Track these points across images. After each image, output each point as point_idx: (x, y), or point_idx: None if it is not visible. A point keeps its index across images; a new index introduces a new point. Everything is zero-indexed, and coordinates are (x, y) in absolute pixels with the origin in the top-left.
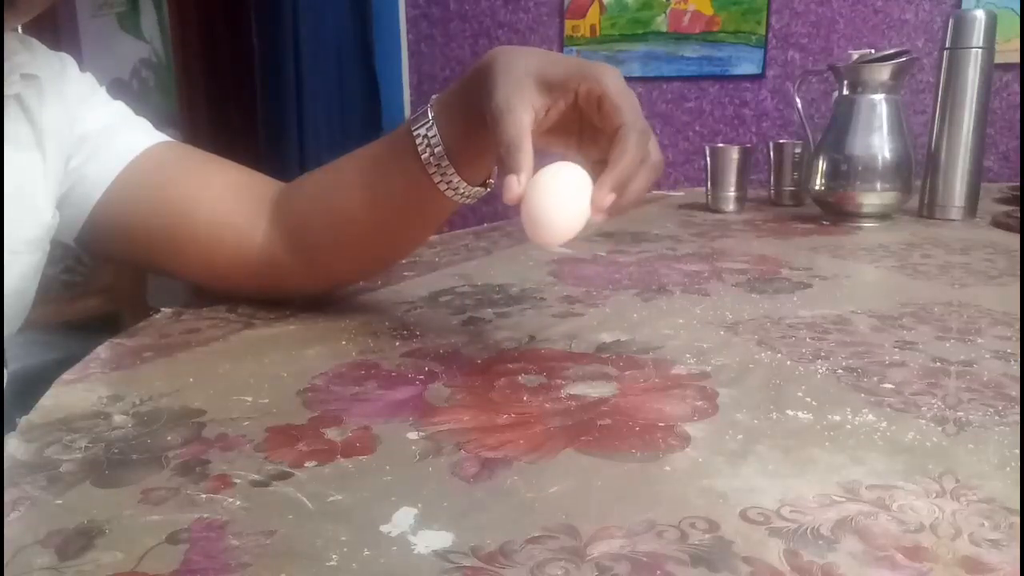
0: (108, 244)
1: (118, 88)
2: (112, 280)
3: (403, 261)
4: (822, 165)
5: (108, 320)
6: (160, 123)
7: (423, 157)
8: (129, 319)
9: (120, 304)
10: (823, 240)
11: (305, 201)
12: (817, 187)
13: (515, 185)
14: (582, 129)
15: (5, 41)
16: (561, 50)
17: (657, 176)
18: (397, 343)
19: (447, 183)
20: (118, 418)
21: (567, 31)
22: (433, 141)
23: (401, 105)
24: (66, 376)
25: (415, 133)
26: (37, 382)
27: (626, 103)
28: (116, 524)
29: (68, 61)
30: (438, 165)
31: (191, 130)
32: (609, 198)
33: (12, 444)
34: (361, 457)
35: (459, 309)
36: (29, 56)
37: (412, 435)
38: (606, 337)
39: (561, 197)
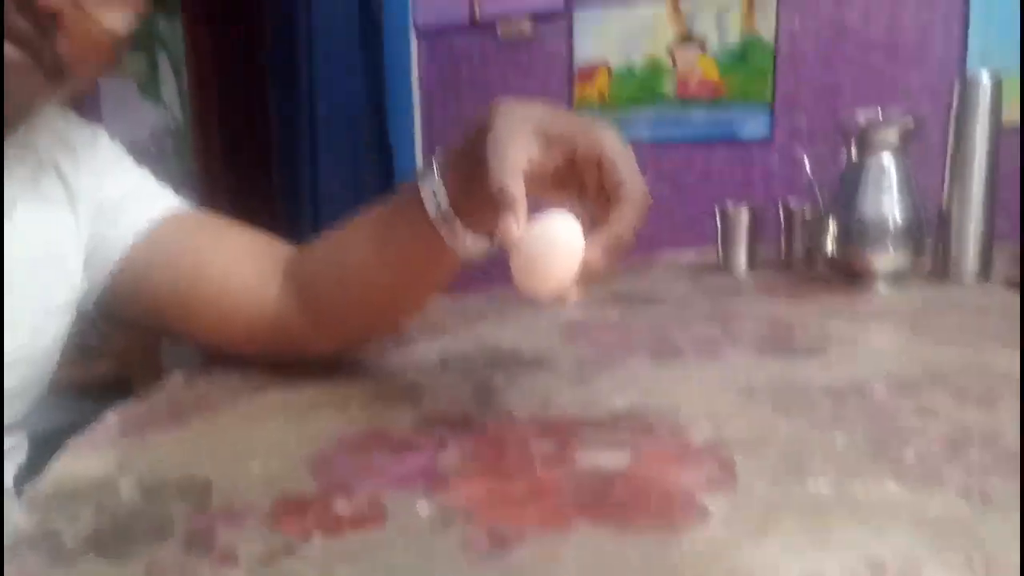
0: (125, 308)
1: (136, 151)
2: (126, 343)
3: (413, 321)
4: (833, 227)
5: (121, 383)
6: (176, 186)
7: (430, 212)
8: (142, 382)
9: (133, 367)
10: (837, 302)
11: (315, 261)
12: (829, 249)
13: (512, 228)
14: (581, 185)
15: (45, 113)
16: None
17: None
18: (408, 409)
19: (454, 237)
20: (125, 488)
21: (576, 97)
22: (440, 196)
23: (413, 169)
24: (75, 443)
25: (421, 189)
26: (48, 446)
27: (624, 164)
28: None
29: (100, 132)
30: (445, 219)
31: (207, 193)
32: (600, 255)
33: (16, 516)
34: (370, 530)
35: (470, 373)
36: (65, 125)
37: (422, 506)
38: (620, 403)
39: (551, 248)
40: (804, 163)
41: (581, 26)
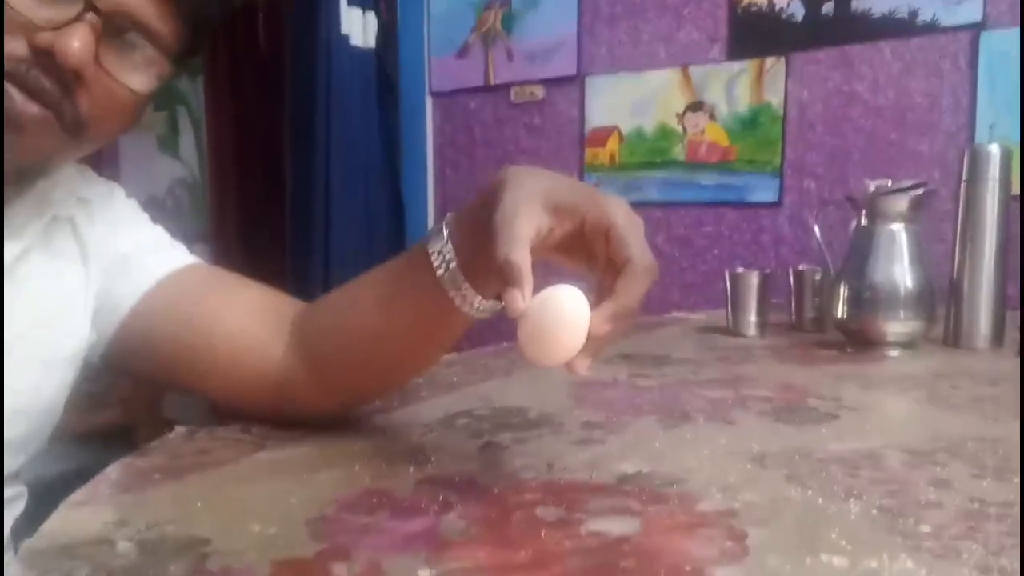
0: (133, 362)
1: (153, 205)
2: (129, 392)
3: (419, 380)
4: (844, 293)
5: (123, 431)
6: (191, 240)
7: (438, 273)
8: (144, 431)
9: (136, 416)
10: (848, 368)
11: (322, 319)
12: (839, 314)
13: (518, 300)
14: (590, 253)
15: (62, 168)
16: (581, 177)
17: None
18: (411, 469)
19: (462, 298)
20: (122, 545)
21: (587, 159)
22: (448, 257)
23: (425, 228)
24: (74, 497)
25: (430, 250)
26: (50, 494)
27: (633, 236)
28: None
29: (116, 188)
30: (453, 280)
31: (221, 248)
32: (606, 327)
33: (13, 571)
34: None
35: (476, 433)
36: (83, 181)
37: (424, 573)
38: (628, 467)
39: (556, 321)
40: (814, 228)
41: (592, 90)
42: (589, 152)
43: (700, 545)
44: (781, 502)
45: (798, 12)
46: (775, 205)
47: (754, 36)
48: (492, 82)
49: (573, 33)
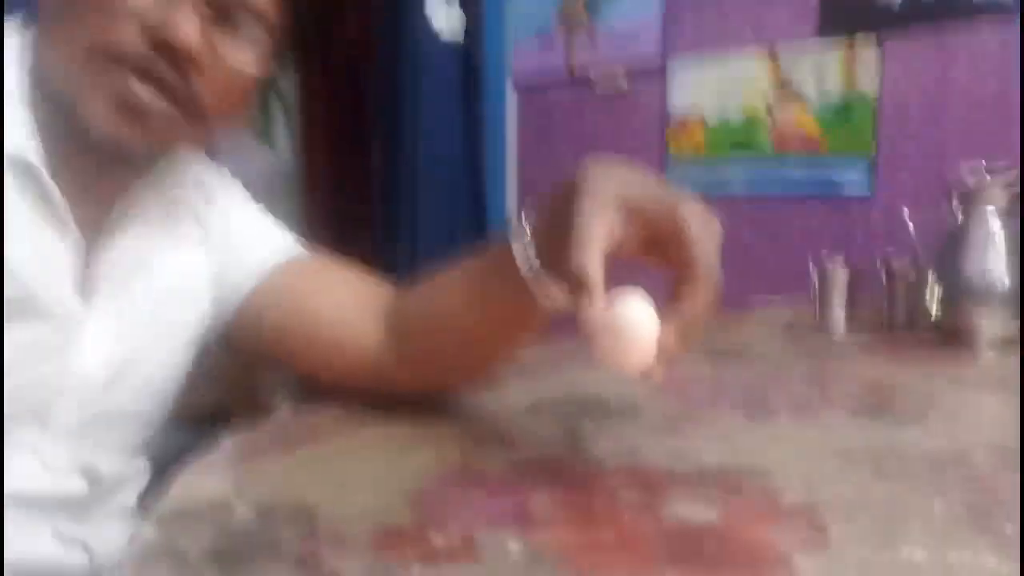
0: (245, 342)
1: (247, 190)
2: (227, 376)
3: (505, 368)
4: (937, 288)
5: (221, 413)
6: (283, 225)
7: (523, 271)
8: (242, 413)
9: (235, 398)
10: (939, 367)
11: (414, 309)
12: (932, 311)
13: (587, 310)
14: (664, 253)
15: (184, 153)
16: (663, 167)
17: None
18: (499, 451)
19: (545, 294)
20: (240, 510)
21: (671, 148)
22: (531, 256)
23: (504, 216)
24: (194, 467)
25: (514, 245)
26: (158, 471)
27: (701, 241)
28: None
29: (226, 173)
30: (535, 276)
31: (311, 232)
32: (673, 338)
33: (145, 530)
34: (463, 564)
35: (561, 419)
36: (198, 168)
37: (513, 545)
38: (709, 458)
39: (624, 332)
40: (907, 221)
41: (677, 78)
42: (673, 142)
43: (781, 534)
44: (864, 497)
45: None
46: (867, 197)
47: (846, 20)
48: (574, 70)
49: (658, 17)
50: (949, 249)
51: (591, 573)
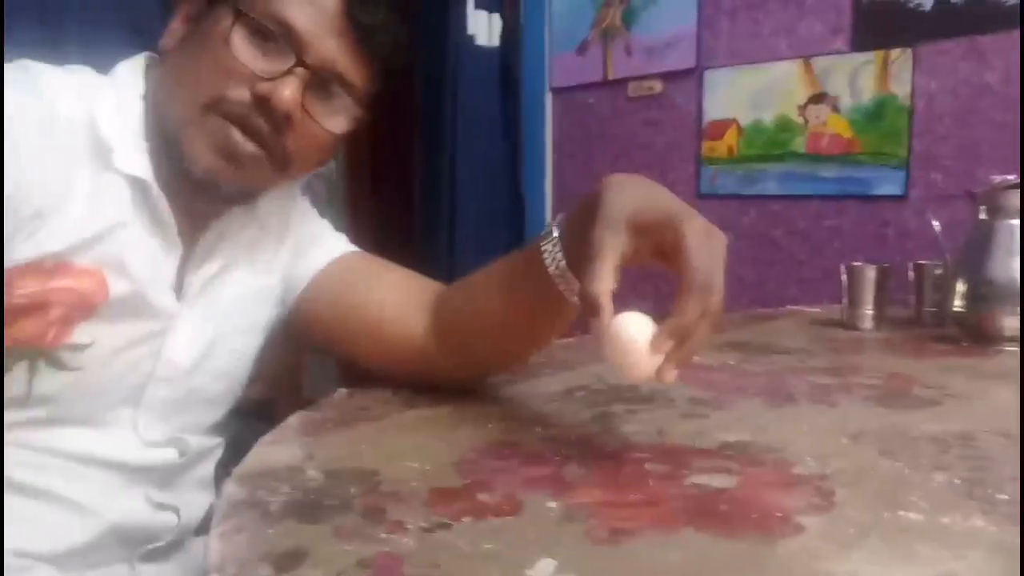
0: (304, 334)
1: None
2: (274, 370)
3: (540, 358)
4: (960, 287)
5: (266, 404)
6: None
7: (550, 270)
8: (285, 406)
9: (279, 392)
10: (960, 361)
11: (455, 303)
12: (956, 309)
13: (597, 327)
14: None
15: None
16: (698, 170)
17: (717, 330)
18: (536, 429)
19: (571, 291)
20: (311, 472)
21: (704, 152)
22: (558, 256)
23: (543, 221)
24: (266, 438)
25: (543, 249)
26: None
27: (699, 254)
28: (317, 550)
29: (298, 195)
30: (562, 276)
31: (355, 234)
32: (667, 344)
33: (230, 487)
34: (508, 517)
35: (592, 403)
36: (283, 198)
37: (551, 504)
38: (730, 437)
39: (623, 346)
40: (933, 223)
41: (711, 83)
42: (706, 145)
43: (791, 498)
44: (870, 470)
45: (927, 1)
46: (900, 199)
47: (879, 26)
48: (610, 77)
49: (693, 26)
50: (972, 249)
51: (620, 525)
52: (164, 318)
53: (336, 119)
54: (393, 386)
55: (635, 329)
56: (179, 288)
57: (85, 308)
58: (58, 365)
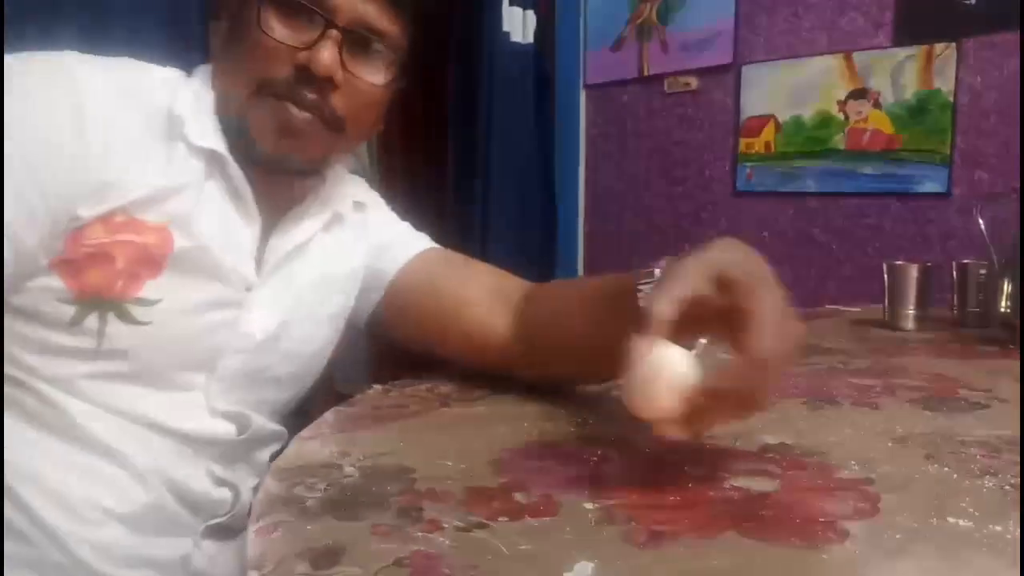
0: (388, 328)
1: None
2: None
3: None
4: (1007, 287)
5: (300, 400)
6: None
7: (641, 303)
8: (318, 402)
9: (312, 389)
10: (1007, 364)
11: (540, 315)
12: (1002, 310)
13: (639, 346)
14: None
15: (339, 174)
16: (734, 167)
17: (739, 418)
18: (573, 428)
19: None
20: (347, 469)
21: (741, 148)
22: (650, 294)
23: (576, 215)
24: (303, 434)
25: (639, 287)
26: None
27: (764, 327)
28: (354, 548)
29: (372, 191)
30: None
31: None
32: (697, 399)
33: (268, 482)
34: (545, 518)
35: None
36: (355, 187)
37: (588, 505)
38: (771, 439)
39: (657, 372)
40: (979, 221)
41: (748, 79)
42: (743, 142)
43: (835, 503)
44: (916, 475)
45: None
46: (944, 196)
47: (923, 21)
48: (646, 73)
49: (730, 22)
50: (1019, 248)
51: (659, 528)
52: (240, 287)
53: (378, 73)
54: (430, 383)
55: (672, 360)
56: (258, 261)
57: (150, 263)
58: (128, 319)
